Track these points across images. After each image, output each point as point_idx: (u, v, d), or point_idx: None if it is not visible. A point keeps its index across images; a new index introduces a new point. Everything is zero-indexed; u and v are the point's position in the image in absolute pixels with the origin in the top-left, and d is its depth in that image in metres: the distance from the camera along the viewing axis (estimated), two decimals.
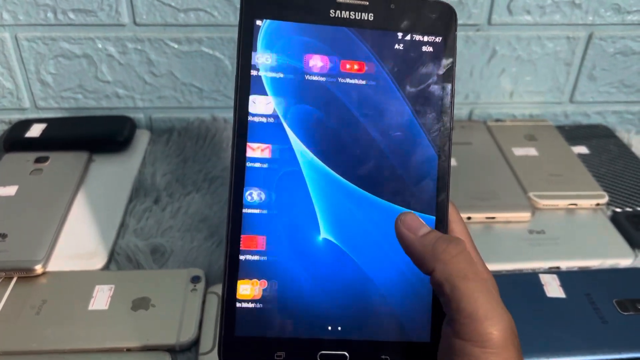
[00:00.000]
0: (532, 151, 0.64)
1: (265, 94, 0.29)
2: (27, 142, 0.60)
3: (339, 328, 0.28)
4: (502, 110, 0.71)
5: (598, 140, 0.67)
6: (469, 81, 0.68)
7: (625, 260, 0.51)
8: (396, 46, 0.30)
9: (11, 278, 0.47)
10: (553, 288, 0.47)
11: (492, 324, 0.24)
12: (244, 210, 0.29)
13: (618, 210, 0.56)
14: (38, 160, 0.58)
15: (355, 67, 0.30)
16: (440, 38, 0.30)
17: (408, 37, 0.30)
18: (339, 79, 0.29)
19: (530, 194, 0.56)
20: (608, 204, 0.57)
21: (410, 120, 0.30)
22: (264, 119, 0.29)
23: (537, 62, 0.66)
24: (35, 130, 0.62)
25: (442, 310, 0.26)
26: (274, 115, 0.29)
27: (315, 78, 0.29)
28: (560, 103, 0.70)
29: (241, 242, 0.28)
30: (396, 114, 0.30)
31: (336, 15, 0.29)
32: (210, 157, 0.63)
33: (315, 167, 0.29)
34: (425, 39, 0.30)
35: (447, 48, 0.30)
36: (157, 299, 0.45)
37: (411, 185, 0.30)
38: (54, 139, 0.61)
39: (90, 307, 0.45)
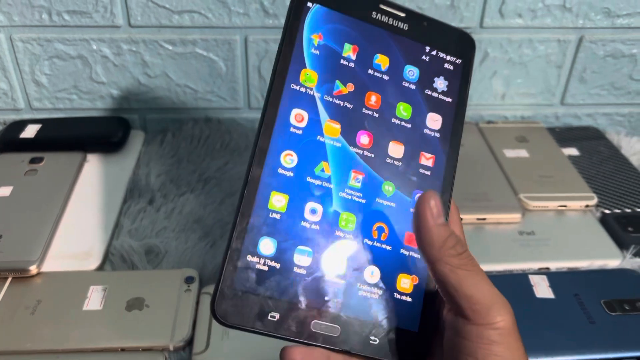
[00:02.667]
0: (523, 153, 0.64)
1: (304, 66, 0.31)
2: (21, 142, 0.61)
3: (336, 301, 0.29)
4: (494, 112, 0.71)
5: (588, 142, 0.68)
6: None
7: (613, 261, 0.51)
8: (422, 57, 0.33)
9: (6, 278, 0.47)
10: (542, 289, 0.48)
11: (500, 308, 0.26)
12: (279, 171, 0.30)
13: (607, 211, 0.57)
14: (33, 161, 0.59)
15: (385, 62, 0.32)
16: (460, 60, 0.34)
17: (434, 52, 0.33)
18: (369, 70, 0.32)
19: (521, 196, 0.57)
20: (597, 206, 0.58)
21: (424, 120, 0.33)
22: (302, 89, 0.31)
23: (528, 64, 0.67)
24: (30, 131, 0.62)
25: (431, 304, 0.29)
26: (309, 87, 0.31)
27: (349, 64, 0.32)
28: (552, 105, 0.71)
29: (269, 199, 0.29)
30: (414, 112, 0.32)
31: (376, 18, 0.33)
32: (205, 157, 0.63)
33: (335, 142, 0.31)
34: (448, 57, 0.34)
35: (464, 68, 0.34)
36: (151, 300, 0.46)
37: (418, 179, 0.32)
38: (48, 139, 0.61)
39: (85, 308, 0.45)
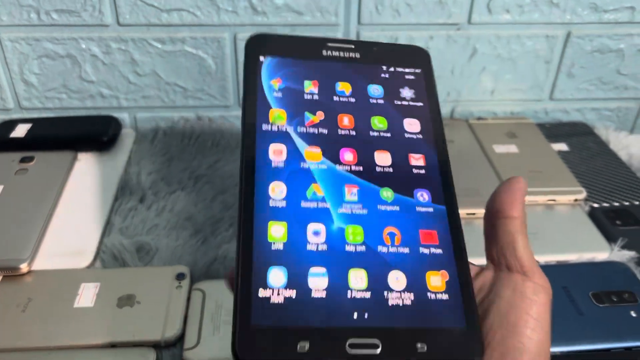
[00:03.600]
0: (512, 148, 0.65)
1: (270, 107, 0.32)
2: (12, 142, 0.61)
3: (366, 315, 0.27)
4: (484, 107, 0.72)
5: (578, 138, 0.69)
6: (450, 79, 0.69)
7: (601, 254, 0.52)
8: (382, 75, 0.35)
9: None
10: None
11: (541, 276, 0.28)
12: (270, 203, 0.29)
13: (596, 205, 0.58)
14: (23, 160, 0.58)
15: (348, 88, 0.34)
16: (420, 69, 0.35)
17: (392, 69, 0.35)
18: (334, 97, 0.33)
19: None
20: (586, 200, 0.58)
21: (402, 126, 0.33)
22: (274, 127, 0.32)
23: (517, 60, 0.68)
24: (20, 131, 0.62)
25: (469, 294, 0.28)
26: (280, 125, 0.32)
27: (313, 97, 0.33)
28: (541, 100, 0.72)
29: (267, 231, 0.29)
30: (389, 122, 0.33)
31: (328, 54, 0.34)
32: (196, 155, 0.63)
33: (320, 164, 0.31)
34: (407, 70, 0.35)
35: (426, 75, 0.35)
36: (142, 296, 0.46)
37: (415, 179, 0.32)
38: (39, 138, 0.61)
39: (76, 305, 0.45)
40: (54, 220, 0.53)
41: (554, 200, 0.57)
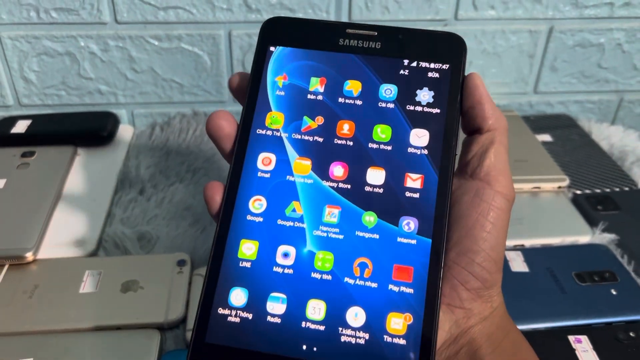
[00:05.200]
0: None
1: (270, 110, 0.31)
2: (13, 137, 0.62)
3: (314, 349, 0.27)
4: None
5: (561, 129, 0.71)
6: None
7: (583, 237, 0.54)
8: (400, 72, 0.31)
9: (3, 266, 0.49)
10: (518, 263, 0.51)
11: (504, 184, 0.30)
12: (248, 217, 0.29)
13: (578, 192, 0.60)
14: (24, 155, 0.60)
15: (357, 87, 0.31)
16: (448, 65, 0.31)
17: (414, 64, 0.31)
18: (339, 99, 0.31)
19: None
20: (569, 187, 0.61)
21: (407, 139, 0.30)
22: (268, 132, 0.31)
23: (502, 54, 0.70)
24: (21, 127, 0.63)
25: (429, 344, 0.26)
26: (275, 130, 0.31)
27: (317, 97, 0.31)
28: (525, 93, 0.74)
29: (239, 247, 0.29)
30: (394, 132, 0.30)
31: (344, 44, 0.31)
32: (193, 149, 0.65)
33: (306, 179, 0.30)
34: (432, 65, 0.31)
35: (454, 74, 0.31)
36: (145, 282, 0.47)
37: (405, 204, 0.29)
38: (39, 134, 0.63)
39: (81, 291, 0.47)
40: (56, 211, 0.55)
41: (538, 187, 0.60)
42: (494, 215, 0.29)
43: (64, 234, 0.52)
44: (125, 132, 0.67)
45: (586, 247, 0.53)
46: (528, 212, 0.57)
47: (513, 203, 0.30)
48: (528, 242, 0.54)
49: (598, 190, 0.60)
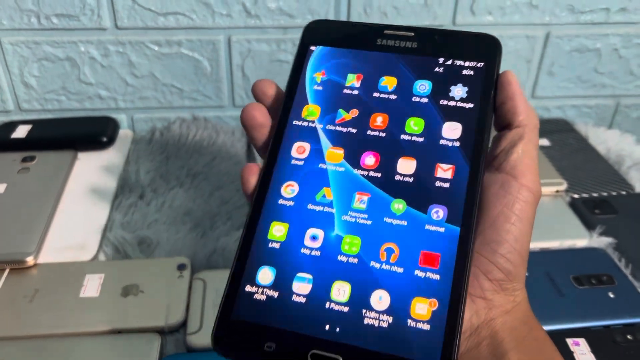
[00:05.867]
0: None
1: (307, 103, 0.33)
2: (13, 142, 0.62)
3: (337, 329, 0.27)
4: None
5: (559, 133, 0.72)
6: None
7: (581, 240, 0.55)
8: (435, 69, 0.32)
9: (4, 270, 0.49)
10: None
11: (531, 180, 0.29)
12: (280, 202, 0.30)
13: (576, 196, 0.60)
14: (25, 160, 0.60)
15: (392, 83, 0.32)
16: (482, 63, 0.31)
17: (449, 62, 0.32)
18: (374, 93, 0.32)
19: None
20: (567, 191, 0.61)
21: (439, 131, 0.31)
22: (304, 123, 0.32)
23: None
24: (21, 131, 0.64)
25: (454, 331, 0.26)
26: (310, 121, 0.32)
27: (353, 91, 0.32)
28: None
29: (269, 229, 0.30)
30: (427, 124, 0.31)
31: (382, 44, 0.33)
32: (192, 154, 0.65)
33: (338, 167, 0.31)
34: (467, 64, 0.32)
35: (488, 72, 0.31)
36: (145, 286, 0.48)
37: (435, 193, 0.29)
38: (39, 139, 0.63)
39: (82, 295, 0.47)
40: (57, 216, 0.55)
41: None
42: (519, 208, 0.28)
43: (64, 238, 0.53)
44: (125, 136, 0.67)
45: (584, 250, 0.54)
46: None
47: (539, 199, 0.30)
48: None
49: (595, 194, 0.61)
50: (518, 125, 0.30)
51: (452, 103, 0.31)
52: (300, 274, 0.28)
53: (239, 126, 0.72)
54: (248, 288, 0.28)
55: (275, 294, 0.28)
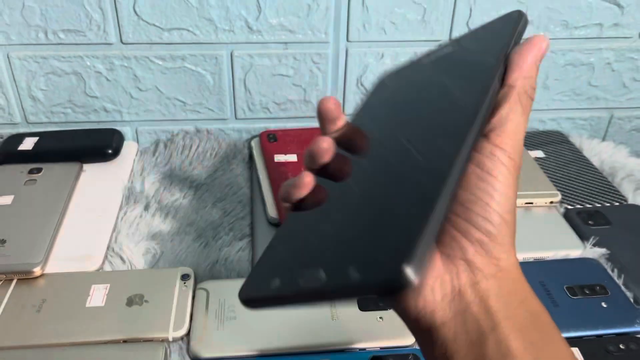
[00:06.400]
0: None
1: None
2: (20, 154, 0.64)
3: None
4: None
5: (553, 145, 0.73)
6: None
7: (575, 251, 0.56)
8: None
9: (11, 280, 0.50)
10: None
11: (509, 141, 0.28)
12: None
13: (570, 207, 0.62)
14: (32, 172, 0.62)
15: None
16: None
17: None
18: None
19: None
20: (561, 202, 0.62)
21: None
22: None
23: None
24: (28, 144, 0.65)
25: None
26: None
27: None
28: None
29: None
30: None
31: None
32: (196, 166, 0.67)
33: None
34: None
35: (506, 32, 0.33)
36: (150, 296, 0.49)
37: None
38: (46, 151, 0.64)
39: (88, 305, 0.48)
40: (63, 227, 0.56)
41: (531, 202, 0.62)
42: (491, 167, 0.28)
43: (70, 249, 0.54)
44: (129, 148, 0.69)
45: (577, 261, 0.55)
46: (521, 227, 0.57)
47: (518, 167, 0.28)
48: (520, 256, 0.55)
49: (589, 205, 0.62)
50: (507, 83, 0.29)
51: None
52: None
53: (241, 138, 0.74)
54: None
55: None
